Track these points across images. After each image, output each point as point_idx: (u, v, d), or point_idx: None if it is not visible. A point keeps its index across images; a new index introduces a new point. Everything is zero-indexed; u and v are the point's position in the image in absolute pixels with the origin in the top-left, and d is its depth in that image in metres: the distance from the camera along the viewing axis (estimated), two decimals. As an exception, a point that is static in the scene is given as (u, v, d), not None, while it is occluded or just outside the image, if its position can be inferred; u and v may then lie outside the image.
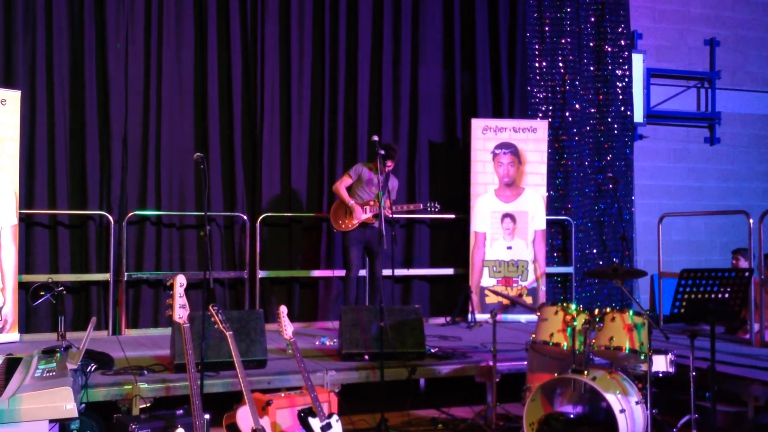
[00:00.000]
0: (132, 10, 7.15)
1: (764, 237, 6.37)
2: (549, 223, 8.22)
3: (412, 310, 5.72)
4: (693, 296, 4.23)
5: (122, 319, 6.92)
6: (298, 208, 7.65)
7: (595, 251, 8.70)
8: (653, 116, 9.62)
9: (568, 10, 8.66)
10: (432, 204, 6.94)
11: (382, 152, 5.74)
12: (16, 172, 6.22)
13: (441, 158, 8.26)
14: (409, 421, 5.30)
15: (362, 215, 6.71)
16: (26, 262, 6.72)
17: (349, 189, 6.85)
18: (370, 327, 5.45)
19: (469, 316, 7.69)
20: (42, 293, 5.94)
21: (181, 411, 3.87)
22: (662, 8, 9.78)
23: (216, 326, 4.09)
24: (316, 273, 7.62)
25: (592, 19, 8.86)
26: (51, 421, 3.39)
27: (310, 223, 7.73)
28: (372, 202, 6.72)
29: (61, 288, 6.01)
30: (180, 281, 3.85)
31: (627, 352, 4.37)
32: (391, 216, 6.63)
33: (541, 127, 8.09)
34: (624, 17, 8.92)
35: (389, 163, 6.67)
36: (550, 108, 8.60)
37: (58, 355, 4.17)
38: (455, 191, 8.18)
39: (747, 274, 4.42)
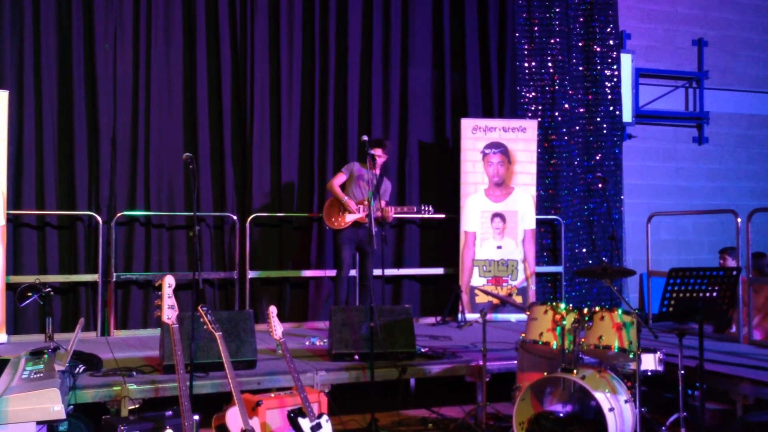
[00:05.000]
0: (120, 10, 7.11)
1: (752, 236, 6.40)
2: (538, 222, 8.24)
3: (403, 310, 5.72)
4: (681, 295, 4.25)
5: (111, 320, 6.88)
6: (289, 208, 7.64)
7: (584, 250, 8.73)
8: (642, 116, 9.67)
9: (557, 10, 8.69)
10: (425, 207, 6.93)
11: (372, 152, 5.73)
12: (3, 173, 6.18)
13: (431, 158, 8.26)
14: (399, 421, 5.30)
15: (356, 212, 6.69)
16: (14, 263, 6.68)
17: (342, 187, 6.83)
18: (360, 327, 5.44)
19: (459, 315, 7.70)
20: (29, 294, 5.92)
21: (171, 412, 3.86)
22: (651, 8, 9.83)
23: (205, 327, 4.08)
24: (306, 273, 7.61)
25: (581, 20, 8.90)
26: (39, 422, 3.38)
27: (300, 223, 7.72)
28: (366, 202, 6.70)
29: (49, 289, 6.00)
30: (169, 282, 3.84)
31: (616, 350, 4.38)
32: (390, 220, 6.73)
33: (530, 126, 8.11)
34: (612, 17, 8.96)
35: (379, 151, 6.59)
36: (540, 108, 8.62)
37: (46, 356, 4.16)
38: (445, 191, 8.19)
39: (735, 273, 4.44)
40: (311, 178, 7.74)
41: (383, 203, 6.65)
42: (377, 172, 6.69)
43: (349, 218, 6.71)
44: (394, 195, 7.92)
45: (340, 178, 6.83)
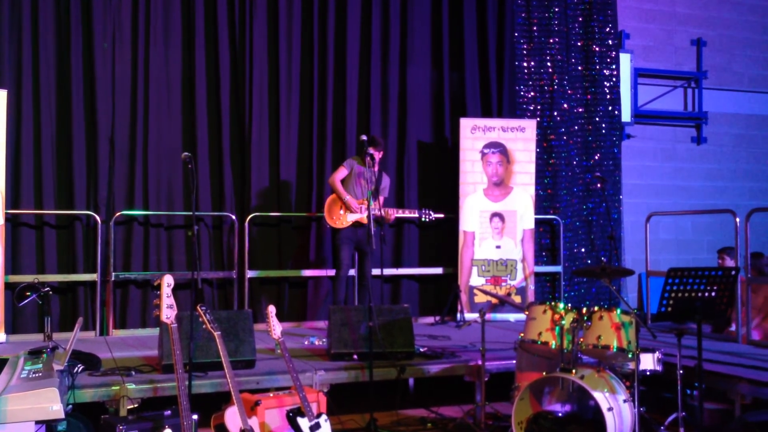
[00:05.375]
0: (119, 10, 7.11)
1: (750, 236, 6.41)
2: (537, 222, 8.25)
3: (401, 309, 5.72)
4: (680, 295, 4.25)
5: (110, 320, 6.88)
6: (287, 208, 7.63)
7: (583, 250, 8.73)
8: (641, 116, 9.68)
9: (556, 9, 8.69)
10: (425, 211, 6.94)
11: (371, 150, 5.73)
12: (2, 172, 6.17)
13: (430, 158, 8.26)
14: (398, 420, 5.30)
15: (358, 211, 6.68)
16: (12, 262, 6.67)
17: (342, 183, 6.80)
18: (359, 327, 5.44)
19: (458, 315, 7.70)
20: (28, 294, 5.92)
21: (169, 412, 3.86)
22: (649, 8, 9.84)
23: (204, 326, 4.08)
24: (305, 273, 7.61)
25: (580, 19, 8.90)
26: (37, 422, 3.38)
27: (299, 222, 7.72)
28: (366, 202, 6.68)
29: (48, 288, 5.99)
30: (167, 281, 3.84)
31: (615, 350, 4.38)
32: (391, 221, 6.81)
33: (529, 126, 8.11)
34: (611, 17, 8.97)
35: (372, 150, 6.52)
36: (539, 107, 8.63)
37: (45, 355, 4.15)
38: (444, 191, 8.19)
39: (733, 272, 4.45)
40: (310, 177, 7.74)
41: (382, 199, 6.63)
42: (376, 169, 6.68)
43: (351, 218, 6.70)
44: (392, 194, 7.92)
45: (342, 173, 6.80)
